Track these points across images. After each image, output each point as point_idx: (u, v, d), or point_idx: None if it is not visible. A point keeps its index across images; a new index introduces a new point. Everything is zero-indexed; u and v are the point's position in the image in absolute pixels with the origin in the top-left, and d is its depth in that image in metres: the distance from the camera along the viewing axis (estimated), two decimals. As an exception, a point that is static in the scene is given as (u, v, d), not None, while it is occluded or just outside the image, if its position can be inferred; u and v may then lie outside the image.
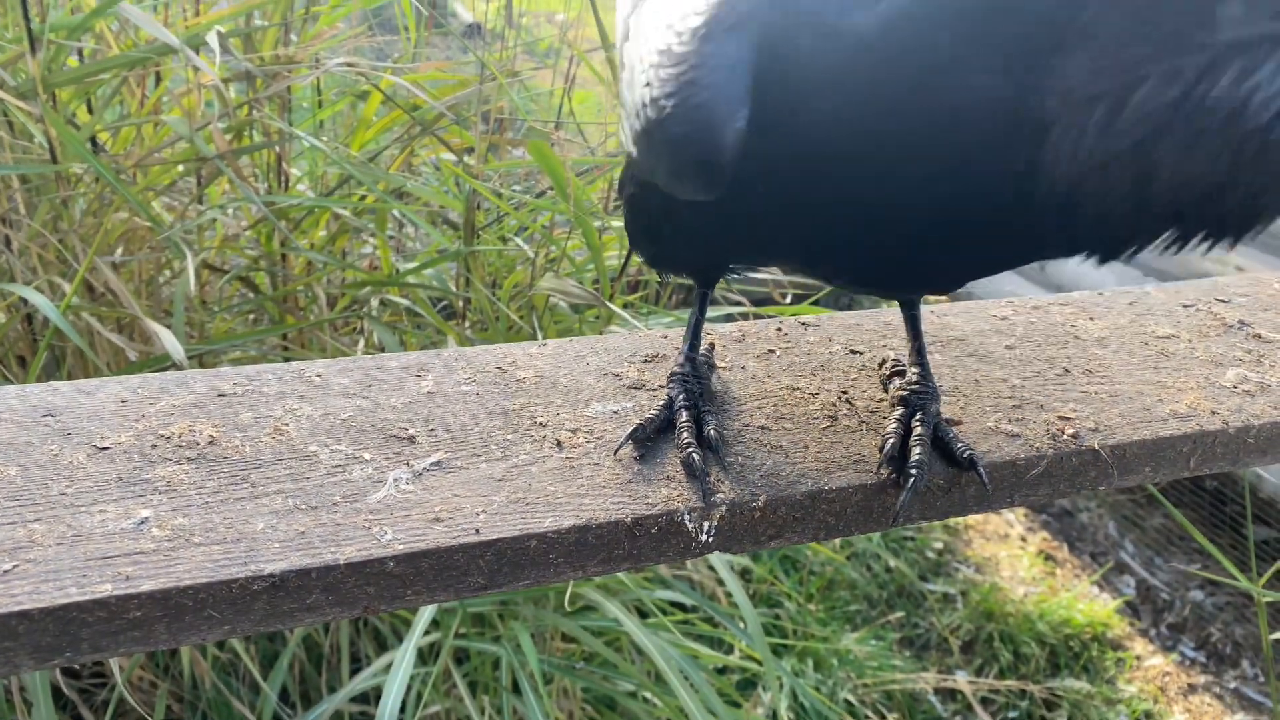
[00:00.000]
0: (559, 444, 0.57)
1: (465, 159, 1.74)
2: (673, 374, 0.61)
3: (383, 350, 1.72)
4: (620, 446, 0.56)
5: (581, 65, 1.93)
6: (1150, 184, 0.37)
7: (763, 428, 0.60)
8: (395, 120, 1.74)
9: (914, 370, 0.62)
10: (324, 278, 1.74)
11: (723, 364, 0.66)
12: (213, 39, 1.43)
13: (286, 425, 0.56)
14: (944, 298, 1.04)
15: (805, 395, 0.63)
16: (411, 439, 0.56)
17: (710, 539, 0.53)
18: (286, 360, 1.76)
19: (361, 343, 1.79)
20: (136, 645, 0.47)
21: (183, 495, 0.51)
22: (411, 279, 1.78)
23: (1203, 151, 0.36)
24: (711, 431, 0.58)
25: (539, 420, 0.59)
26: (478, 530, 0.49)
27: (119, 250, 1.71)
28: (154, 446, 0.54)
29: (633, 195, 0.59)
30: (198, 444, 0.54)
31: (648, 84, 0.47)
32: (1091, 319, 0.77)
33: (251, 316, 1.87)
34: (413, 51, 2.10)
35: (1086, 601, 2.45)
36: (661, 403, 0.60)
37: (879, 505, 0.56)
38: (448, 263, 1.75)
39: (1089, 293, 0.80)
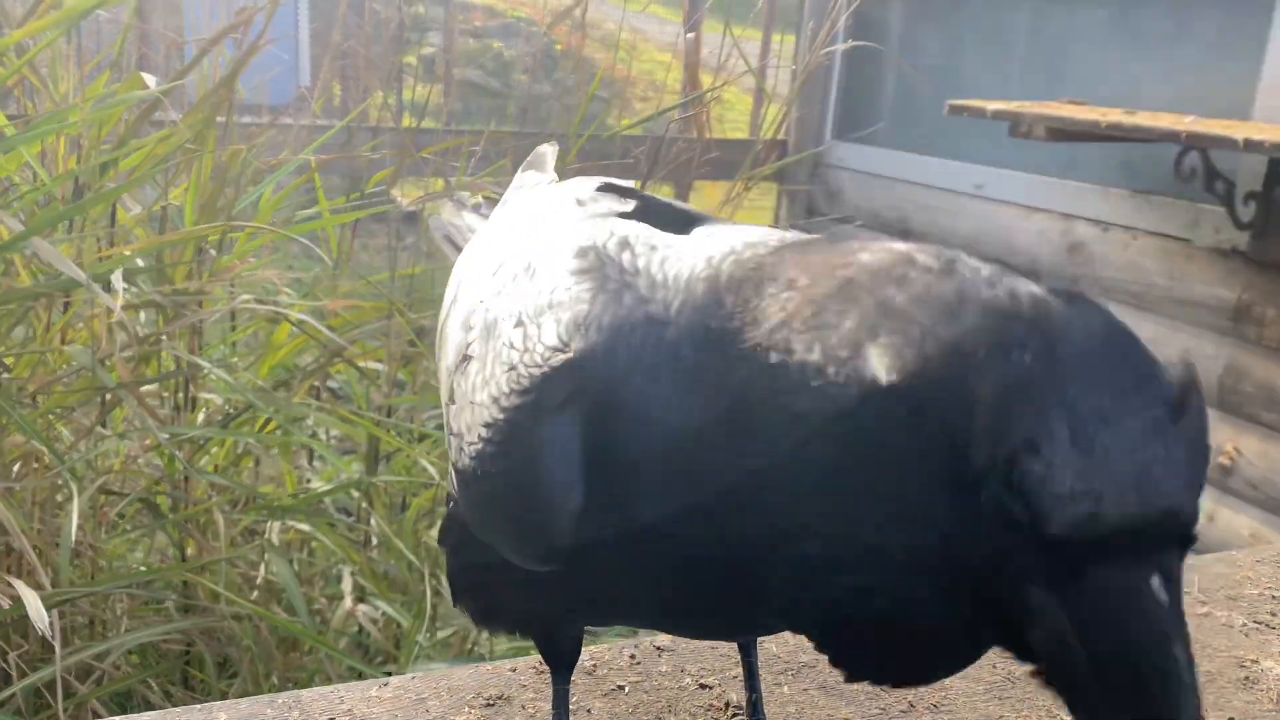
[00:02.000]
0: (377, 829, 0.55)
1: (376, 384, 1.76)
2: None
3: (280, 579, 1.68)
4: None
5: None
6: None
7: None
8: (304, 344, 1.75)
9: None
10: (225, 502, 1.71)
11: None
12: (116, 279, 1.45)
13: (91, 810, 0.54)
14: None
15: (645, 748, 0.63)
16: (221, 827, 0.54)
17: None
18: (184, 584, 1.71)
19: (262, 569, 1.75)
20: None
21: None
22: (314, 503, 1.76)
23: None
24: None
25: (362, 795, 0.57)
26: None
27: (16, 469, 1.67)
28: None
29: (457, 546, 0.58)
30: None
31: (476, 456, 0.47)
32: (944, 635, 0.78)
33: (154, 540, 1.82)
34: (335, 266, 2.14)
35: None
36: None
37: None
38: (352, 490, 1.74)
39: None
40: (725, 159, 2.01)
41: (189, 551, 1.70)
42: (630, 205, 0.57)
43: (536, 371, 0.45)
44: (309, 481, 1.92)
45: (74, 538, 1.36)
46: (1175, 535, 0.35)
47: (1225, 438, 2.25)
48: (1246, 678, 0.76)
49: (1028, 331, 0.36)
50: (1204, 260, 2.27)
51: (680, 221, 0.55)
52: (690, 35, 1.80)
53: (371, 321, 1.72)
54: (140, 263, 1.64)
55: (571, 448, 0.44)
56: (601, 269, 0.48)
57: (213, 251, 1.77)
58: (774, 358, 0.40)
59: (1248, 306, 2.20)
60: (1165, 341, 2.35)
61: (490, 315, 0.51)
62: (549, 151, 0.80)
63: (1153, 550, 0.35)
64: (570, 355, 0.45)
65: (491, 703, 0.66)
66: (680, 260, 0.48)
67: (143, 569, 1.73)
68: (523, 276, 0.51)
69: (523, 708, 0.66)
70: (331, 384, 2.18)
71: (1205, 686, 0.76)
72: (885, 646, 0.42)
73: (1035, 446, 0.34)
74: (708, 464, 0.43)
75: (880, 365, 0.37)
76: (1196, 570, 0.91)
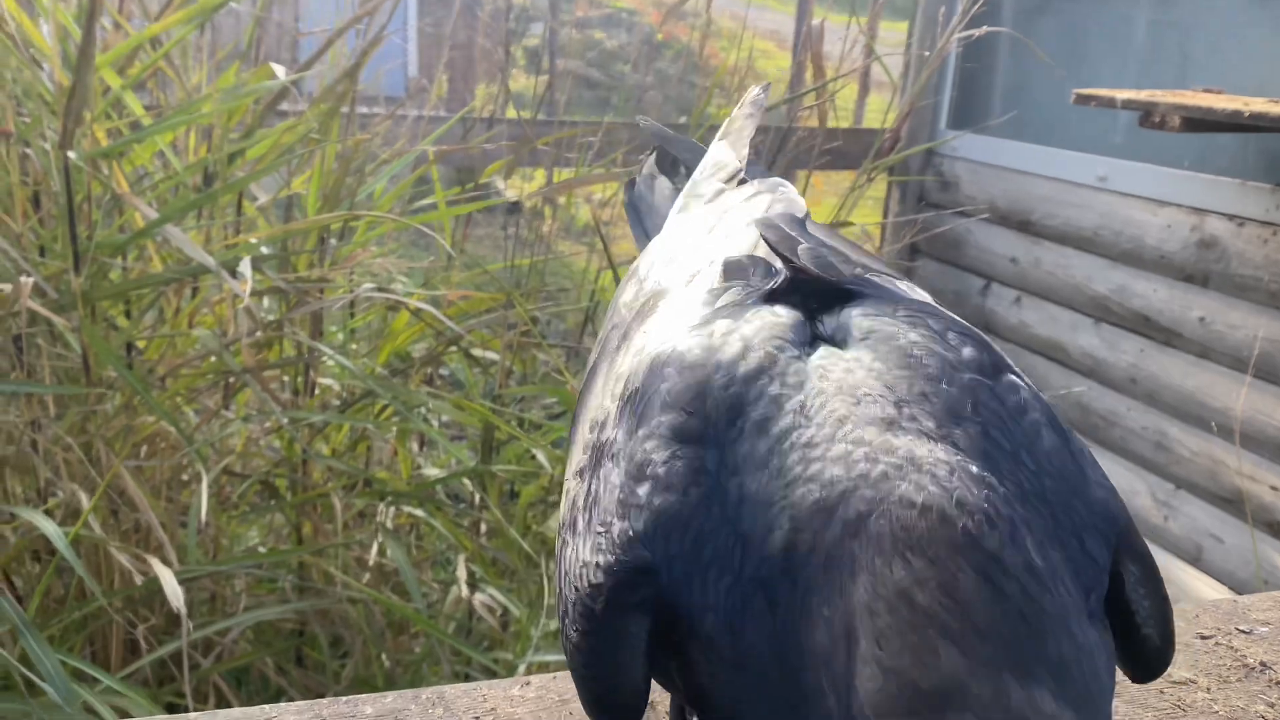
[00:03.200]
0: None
1: (491, 357, 1.76)
2: None
3: (393, 559, 1.70)
4: None
5: (615, 244, 1.98)
6: None
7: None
8: (421, 332, 1.77)
9: None
10: (341, 485, 1.74)
11: None
12: (245, 266, 1.48)
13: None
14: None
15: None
16: (374, 823, 0.54)
17: None
18: (300, 565, 1.75)
19: (375, 548, 1.78)
20: None
21: None
22: (428, 488, 1.78)
23: None
24: None
25: (510, 797, 0.56)
26: None
27: (144, 449, 1.73)
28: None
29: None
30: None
31: (566, 615, 0.48)
32: (1104, 655, 0.73)
33: (273, 521, 1.87)
34: (447, 259, 2.16)
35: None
36: None
37: None
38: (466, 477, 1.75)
39: (1102, 617, 0.77)
40: (842, 149, 1.96)
41: (305, 533, 1.74)
42: (780, 278, 0.52)
43: (619, 561, 0.45)
44: (420, 468, 1.95)
45: (203, 518, 1.40)
46: None
47: (1372, 447, 2.12)
48: None
49: None
50: (1352, 258, 2.14)
51: (833, 299, 0.51)
52: (816, 23, 1.76)
53: (487, 310, 1.73)
54: (265, 250, 1.68)
55: (640, 650, 0.45)
56: (703, 441, 0.46)
57: (333, 241, 1.80)
58: None
59: (1401, 308, 2.06)
60: (1306, 344, 2.23)
61: (602, 439, 0.50)
62: (744, 120, 0.70)
63: None
64: (649, 559, 0.44)
65: (636, 706, 0.65)
66: (789, 456, 0.45)
67: (262, 549, 1.78)
68: (630, 410, 0.49)
69: (666, 713, 0.64)
70: (443, 372, 2.20)
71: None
72: None
73: None
74: None
75: None
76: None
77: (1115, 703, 0.63)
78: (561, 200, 2.67)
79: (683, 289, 0.55)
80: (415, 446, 2.05)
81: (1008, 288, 2.94)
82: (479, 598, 1.47)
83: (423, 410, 1.79)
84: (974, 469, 0.42)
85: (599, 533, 0.46)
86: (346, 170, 1.75)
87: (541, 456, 1.70)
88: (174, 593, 1.16)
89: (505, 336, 1.73)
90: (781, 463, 0.44)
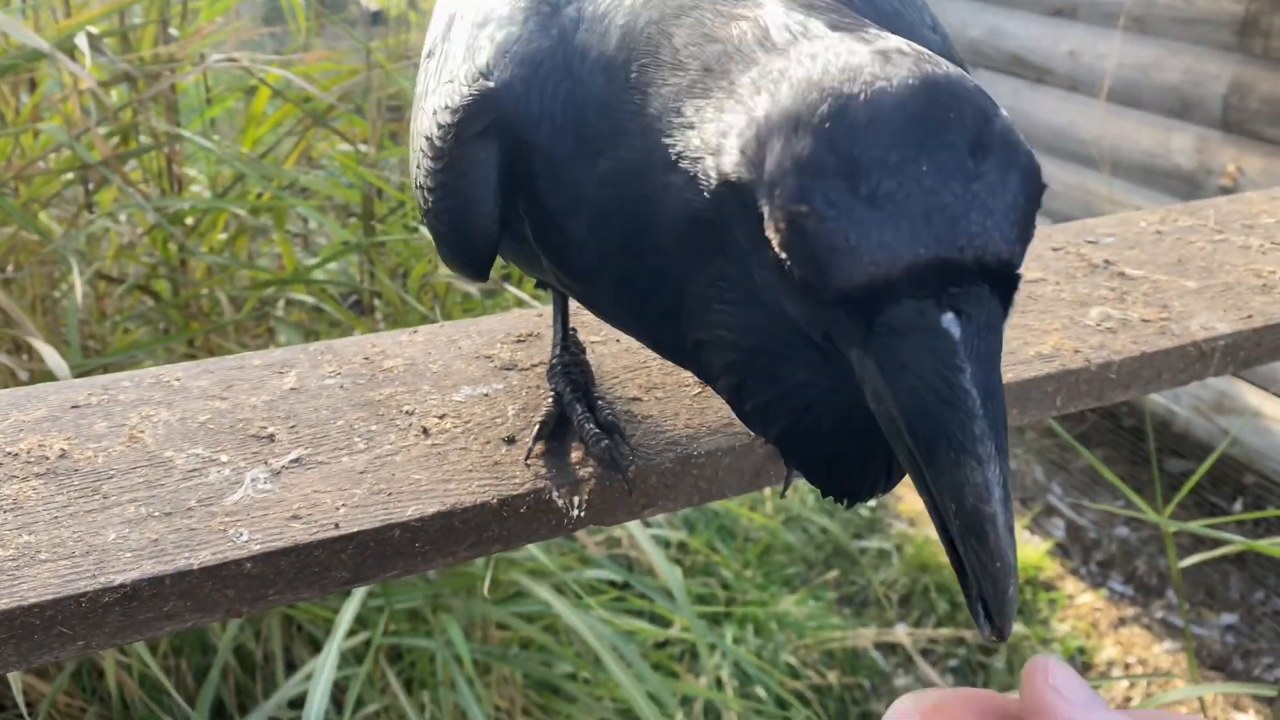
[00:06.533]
0: (425, 431, 0.56)
1: (361, 148, 1.71)
2: (552, 367, 0.61)
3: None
4: (531, 450, 0.55)
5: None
6: None
7: (634, 399, 0.60)
8: (287, 114, 1.70)
9: None
10: (226, 281, 1.70)
11: (597, 338, 0.66)
12: (82, 41, 1.38)
13: (142, 433, 0.55)
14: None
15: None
16: (271, 437, 0.55)
17: (581, 514, 0.53)
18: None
19: (271, 347, 1.75)
20: (-13, 670, 0.45)
21: (29, 512, 0.49)
22: (315, 275, 1.75)
23: None
24: (609, 416, 0.58)
25: (405, 409, 0.58)
26: (337, 525, 0.49)
27: (9, 266, 1.65)
28: (-2, 465, 0.52)
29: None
30: (47, 458, 0.53)
31: (419, 167, 0.50)
32: (964, 268, 0.78)
33: (160, 326, 1.82)
34: (304, 41, 2.05)
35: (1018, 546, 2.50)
36: (550, 399, 0.59)
37: (749, 465, 0.57)
38: (352, 256, 1.72)
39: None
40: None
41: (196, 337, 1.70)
42: None
43: (463, 96, 0.47)
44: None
45: (87, 307, 1.35)
46: (980, 272, 0.34)
47: (1227, 158, 2.23)
48: (1264, 285, 0.77)
49: (821, 99, 0.35)
50: (1208, -27, 2.18)
51: None
52: None
53: (349, 80, 1.66)
54: (94, 30, 1.56)
55: (490, 175, 0.47)
56: None
57: (174, 32, 1.69)
58: (661, 140, 0.41)
59: (1255, 19, 2.12)
60: (1167, 65, 2.30)
61: (455, 9, 0.52)
62: None
63: (949, 289, 0.34)
64: (491, 86, 0.46)
65: (522, 339, 0.67)
66: None
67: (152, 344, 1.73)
68: None
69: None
70: (317, 173, 2.13)
71: (1224, 294, 0.77)
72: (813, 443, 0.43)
73: (807, 210, 0.34)
74: (602, 225, 0.46)
75: (731, 161, 0.37)
76: (1211, 208, 0.91)
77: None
78: (423, 4, 2.53)
79: None
80: (298, 251, 1.99)
81: (885, 46, 2.94)
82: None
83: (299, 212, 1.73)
84: None
85: (447, 84, 0.49)
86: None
87: (425, 230, 1.67)
88: (59, 365, 1.14)
89: (371, 111, 1.67)
90: None
